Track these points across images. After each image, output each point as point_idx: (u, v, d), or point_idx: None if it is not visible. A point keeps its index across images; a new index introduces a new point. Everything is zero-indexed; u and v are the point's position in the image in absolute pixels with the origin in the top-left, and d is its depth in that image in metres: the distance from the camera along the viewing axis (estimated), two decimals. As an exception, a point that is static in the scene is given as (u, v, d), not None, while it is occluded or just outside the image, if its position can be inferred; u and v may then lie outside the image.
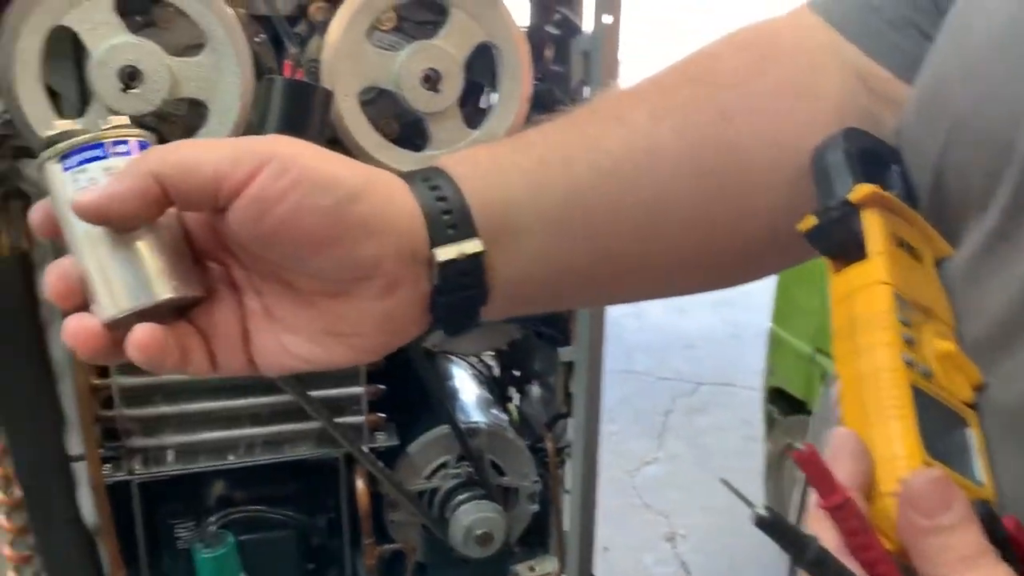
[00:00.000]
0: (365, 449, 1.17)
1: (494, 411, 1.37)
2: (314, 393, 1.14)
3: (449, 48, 1.06)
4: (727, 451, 3.34)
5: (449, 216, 0.46)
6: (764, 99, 0.53)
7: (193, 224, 0.45)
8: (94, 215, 0.41)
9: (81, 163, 0.41)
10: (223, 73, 1.00)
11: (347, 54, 1.04)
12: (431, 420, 1.25)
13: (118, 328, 0.42)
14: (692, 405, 3.72)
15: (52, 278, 0.42)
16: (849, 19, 0.54)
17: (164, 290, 0.42)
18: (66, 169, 0.42)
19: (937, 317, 0.45)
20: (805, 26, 0.56)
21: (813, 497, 0.40)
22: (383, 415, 1.21)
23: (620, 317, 4.48)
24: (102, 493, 1.09)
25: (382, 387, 1.20)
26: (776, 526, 0.39)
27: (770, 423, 2.70)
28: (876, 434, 0.40)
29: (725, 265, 0.56)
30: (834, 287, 0.47)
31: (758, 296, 3.30)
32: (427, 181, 0.46)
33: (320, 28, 1.06)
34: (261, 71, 1.05)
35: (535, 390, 1.49)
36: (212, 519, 1.15)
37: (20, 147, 1.06)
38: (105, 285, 0.41)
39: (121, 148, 0.42)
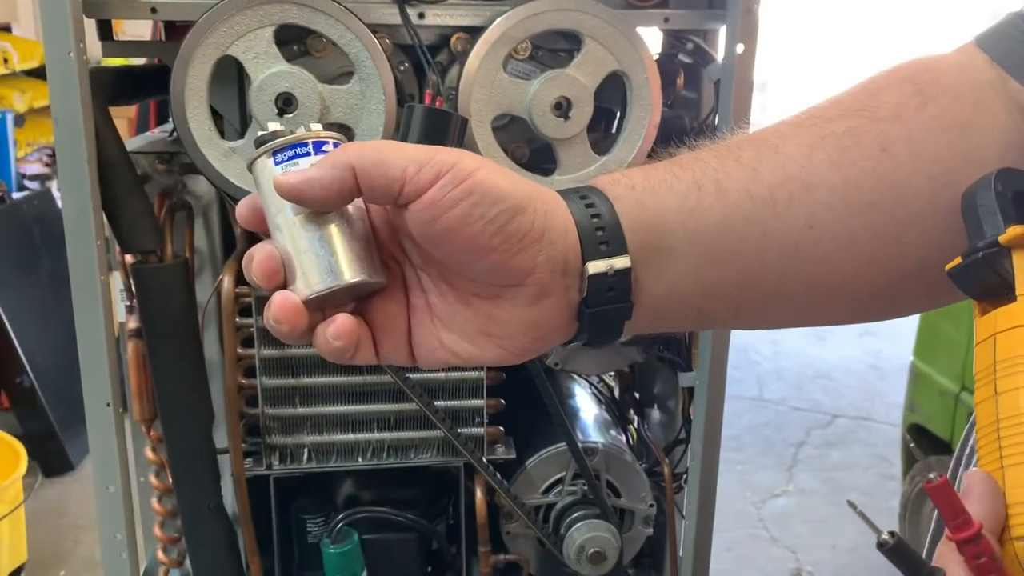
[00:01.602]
0: (484, 460, 1.21)
1: (613, 432, 1.38)
2: (438, 403, 1.19)
3: (581, 77, 1.09)
4: (861, 488, 3.20)
5: (602, 232, 0.49)
6: (924, 133, 0.53)
7: (376, 221, 0.50)
8: (294, 193, 0.46)
9: (291, 158, 0.48)
10: (369, 100, 1.07)
11: (483, 83, 1.08)
12: (549, 436, 1.27)
13: (310, 308, 0.47)
14: (826, 438, 3.59)
15: (259, 258, 0.47)
16: (1015, 57, 0.54)
17: (354, 274, 0.47)
18: (277, 163, 0.48)
19: None
20: (970, 63, 0.56)
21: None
22: (502, 428, 1.24)
23: (755, 343, 4.37)
24: (242, 485, 1.18)
25: (502, 401, 1.23)
26: (900, 552, 0.39)
27: (909, 462, 2.58)
28: (1011, 478, 0.40)
29: (869, 299, 0.56)
30: (978, 329, 0.46)
31: (902, 326, 3.16)
32: (584, 199, 0.50)
33: (460, 57, 1.12)
34: (404, 97, 1.12)
35: (655, 413, 1.50)
36: (339, 517, 1.21)
37: (186, 164, 1.16)
38: (302, 267, 0.47)
39: (325, 147, 0.48)
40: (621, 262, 0.49)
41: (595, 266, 0.48)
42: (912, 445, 2.46)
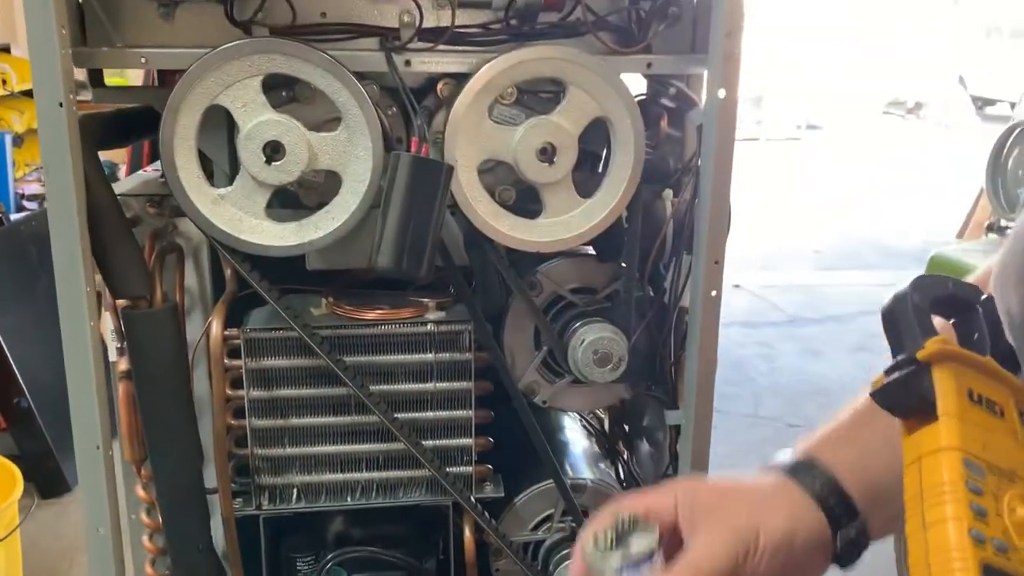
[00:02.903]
0: (472, 499, 1.22)
1: (602, 466, 1.39)
2: (427, 443, 1.20)
3: (565, 123, 1.10)
4: (857, 507, 3.20)
5: (838, 507, 0.60)
6: None
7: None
8: None
9: (636, 568, 0.55)
10: (356, 147, 1.08)
11: (469, 130, 1.10)
12: (538, 473, 1.28)
13: None
14: (822, 455, 3.59)
15: None
16: None
17: None
18: (623, 569, 0.55)
19: (1020, 478, 0.43)
20: None
21: None
22: (490, 467, 1.25)
23: (750, 358, 4.38)
24: (232, 525, 1.18)
25: (490, 440, 1.24)
26: None
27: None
28: None
29: None
30: (905, 451, 0.45)
31: (897, 346, 3.15)
32: (813, 477, 0.60)
33: (447, 102, 1.13)
34: (391, 142, 1.13)
35: (644, 446, 1.50)
36: (329, 556, 1.22)
37: (176, 206, 1.17)
38: None
39: (656, 560, 0.56)
40: (858, 526, 0.60)
41: (842, 536, 0.59)
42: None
